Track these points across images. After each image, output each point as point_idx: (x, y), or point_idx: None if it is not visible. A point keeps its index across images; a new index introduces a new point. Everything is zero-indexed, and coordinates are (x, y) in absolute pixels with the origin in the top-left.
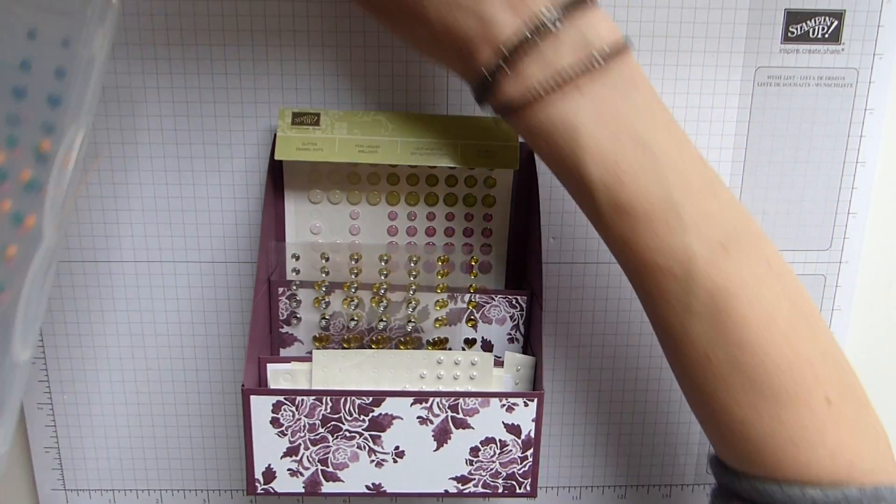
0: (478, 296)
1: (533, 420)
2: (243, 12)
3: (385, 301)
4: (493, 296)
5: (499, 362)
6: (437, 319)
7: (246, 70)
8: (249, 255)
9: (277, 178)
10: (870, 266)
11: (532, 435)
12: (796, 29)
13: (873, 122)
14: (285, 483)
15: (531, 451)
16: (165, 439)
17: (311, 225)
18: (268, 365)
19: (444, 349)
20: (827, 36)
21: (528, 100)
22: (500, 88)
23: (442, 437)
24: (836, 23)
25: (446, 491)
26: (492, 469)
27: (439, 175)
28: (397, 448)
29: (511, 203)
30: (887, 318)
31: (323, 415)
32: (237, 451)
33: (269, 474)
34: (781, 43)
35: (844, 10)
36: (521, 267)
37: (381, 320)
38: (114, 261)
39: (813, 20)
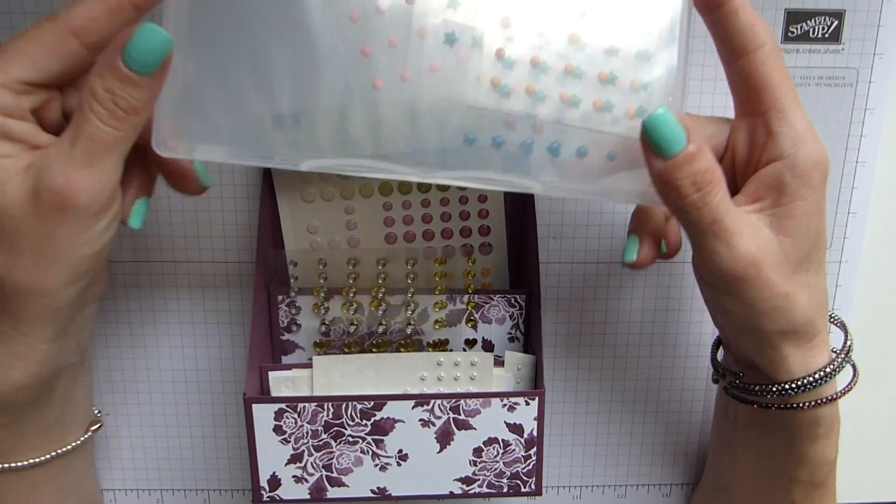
0: (476, 296)
1: (535, 419)
2: None
3: (384, 304)
4: (492, 295)
5: (499, 362)
6: (436, 321)
7: None
8: (250, 255)
9: (269, 180)
10: (870, 266)
11: (535, 433)
12: (796, 29)
13: (873, 121)
14: (290, 490)
15: (534, 449)
16: (166, 439)
17: (307, 224)
18: (269, 373)
19: (445, 350)
20: (827, 36)
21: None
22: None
23: (444, 438)
24: (836, 23)
25: (451, 493)
26: (496, 469)
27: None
28: (401, 451)
29: (505, 202)
30: (887, 318)
31: (325, 421)
32: (238, 450)
33: (275, 482)
34: (781, 42)
35: (844, 10)
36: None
37: (381, 324)
38: (115, 260)
39: (813, 20)
